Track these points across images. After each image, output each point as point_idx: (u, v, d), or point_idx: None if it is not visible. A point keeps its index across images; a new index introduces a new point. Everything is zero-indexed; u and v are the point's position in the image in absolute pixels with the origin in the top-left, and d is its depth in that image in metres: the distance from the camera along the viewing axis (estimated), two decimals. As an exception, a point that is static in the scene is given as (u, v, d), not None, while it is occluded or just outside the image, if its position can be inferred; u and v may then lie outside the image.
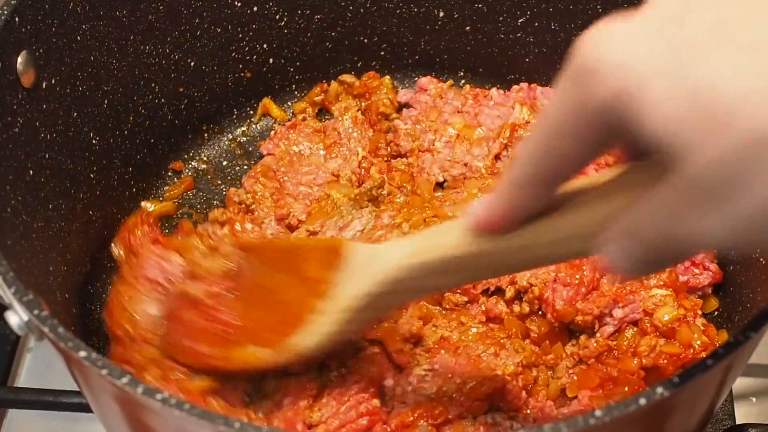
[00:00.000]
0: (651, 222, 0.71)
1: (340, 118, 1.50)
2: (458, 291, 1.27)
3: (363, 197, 1.40)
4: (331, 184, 1.42)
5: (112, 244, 1.35)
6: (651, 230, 0.71)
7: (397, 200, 1.39)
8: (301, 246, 1.19)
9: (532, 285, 1.26)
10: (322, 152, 1.46)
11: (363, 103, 1.54)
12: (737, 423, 1.25)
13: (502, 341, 1.21)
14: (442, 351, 1.20)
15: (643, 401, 0.79)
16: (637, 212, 0.72)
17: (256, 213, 1.38)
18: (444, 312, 1.25)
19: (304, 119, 1.52)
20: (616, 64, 0.67)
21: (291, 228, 1.38)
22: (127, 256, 1.34)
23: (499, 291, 1.29)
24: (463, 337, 1.21)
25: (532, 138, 0.77)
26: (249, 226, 1.37)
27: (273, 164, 1.46)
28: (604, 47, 0.69)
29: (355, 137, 1.48)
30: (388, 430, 1.12)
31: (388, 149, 1.47)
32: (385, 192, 1.39)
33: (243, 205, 1.40)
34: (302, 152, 1.47)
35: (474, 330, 1.22)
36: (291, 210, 1.38)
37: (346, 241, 1.15)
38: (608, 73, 0.67)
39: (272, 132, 1.51)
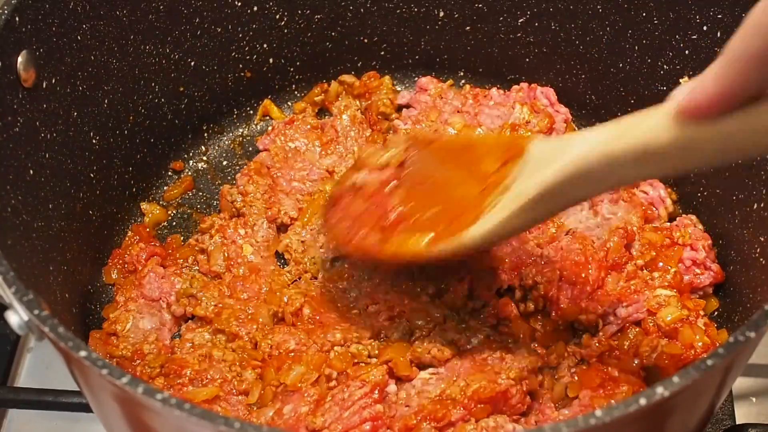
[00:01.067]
0: None
1: (338, 117, 1.50)
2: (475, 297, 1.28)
3: None
4: (325, 180, 1.43)
5: (104, 270, 1.36)
6: None
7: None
8: (479, 142, 1.16)
9: (537, 283, 1.26)
10: (318, 149, 1.46)
11: (363, 103, 1.54)
12: (737, 423, 1.25)
13: (509, 346, 1.20)
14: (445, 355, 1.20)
15: (643, 401, 0.79)
16: None
17: (247, 217, 1.38)
18: (458, 317, 1.25)
19: (303, 117, 1.52)
20: None
21: (282, 227, 1.39)
22: (123, 276, 1.34)
23: (510, 290, 1.29)
24: (472, 339, 1.21)
25: (763, 4, 0.71)
26: (242, 231, 1.37)
27: (268, 160, 1.46)
28: None
29: (353, 136, 1.48)
30: (392, 429, 1.12)
31: (387, 149, 1.47)
32: None
33: (234, 209, 1.40)
34: (298, 148, 1.47)
35: (482, 334, 1.22)
36: (281, 208, 1.38)
37: (528, 136, 1.12)
38: None
39: (269, 128, 1.52)
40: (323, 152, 1.46)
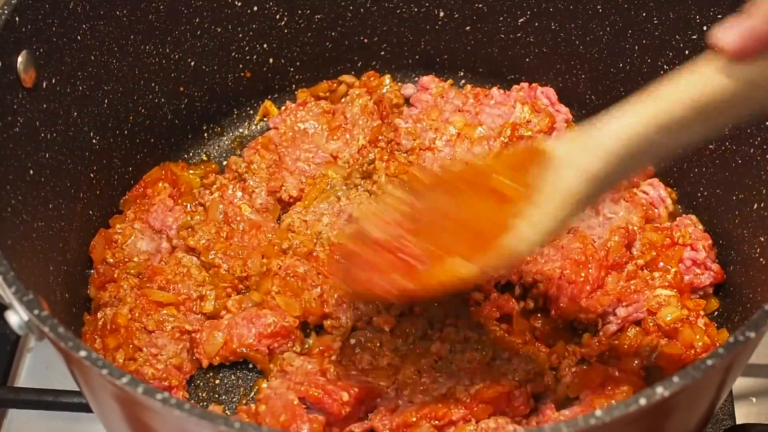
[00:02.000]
0: None
1: (349, 104, 1.51)
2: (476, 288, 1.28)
3: (355, 172, 1.40)
4: (329, 164, 1.44)
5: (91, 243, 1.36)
6: None
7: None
8: (485, 168, 1.08)
9: (537, 281, 1.26)
10: (326, 133, 1.47)
11: (373, 96, 1.54)
12: (737, 423, 1.25)
13: (517, 347, 1.20)
14: (459, 352, 1.20)
15: (643, 401, 0.80)
16: None
17: (248, 182, 1.41)
18: (468, 310, 1.26)
19: (317, 98, 1.54)
20: None
21: (282, 202, 1.40)
22: (138, 198, 1.39)
23: (509, 286, 1.29)
24: (483, 338, 1.21)
25: None
26: (239, 194, 1.40)
27: (276, 138, 1.47)
28: None
29: (360, 125, 1.48)
30: (389, 426, 1.12)
31: (388, 148, 1.47)
32: (382, 180, 1.39)
33: (237, 173, 1.43)
34: (306, 130, 1.48)
35: (492, 334, 1.22)
36: (284, 184, 1.40)
37: (542, 143, 1.04)
38: None
39: (283, 107, 1.53)
40: (330, 137, 1.47)
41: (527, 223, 0.97)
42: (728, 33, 0.80)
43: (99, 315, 1.27)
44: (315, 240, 1.34)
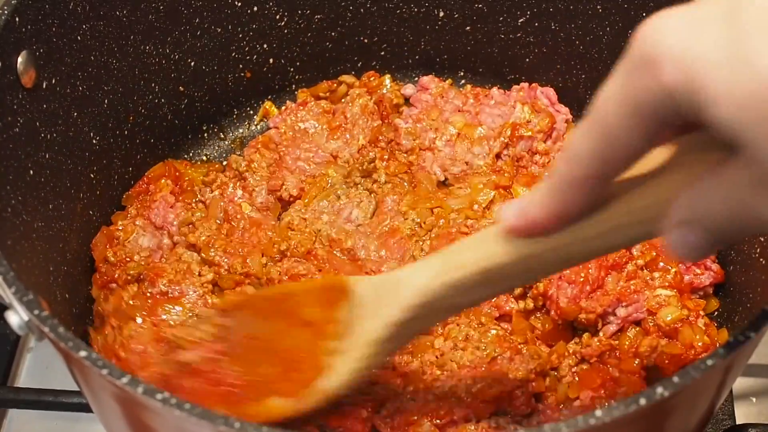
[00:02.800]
0: (716, 207, 0.69)
1: (349, 104, 1.51)
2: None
3: (355, 172, 1.41)
4: (329, 163, 1.44)
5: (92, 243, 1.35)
6: (716, 215, 0.70)
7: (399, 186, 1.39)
8: (293, 291, 1.14)
9: (537, 281, 1.26)
10: (326, 133, 1.48)
11: (373, 96, 1.54)
12: (737, 423, 1.25)
13: (519, 346, 1.20)
14: (461, 350, 1.20)
15: (643, 401, 0.80)
16: (699, 197, 0.71)
17: (249, 181, 1.41)
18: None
19: (317, 98, 1.54)
20: (678, 54, 0.65)
21: (282, 201, 1.40)
22: (141, 193, 1.39)
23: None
24: (483, 339, 1.21)
25: (584, 134, 0.73)
26: (239, 192, 1.39)
27: (276, 137, 1.47)
28: (666, 36, 0.66)
29: (360, 125, 1.48)
30: (390, 425, 1.12)
31: (388, 148, 1.47)
32: (382, 179, 1.39)
33: (237, 172, 1.43)
34: (307, 129, 1.48)
35: (493, 332, 1.22)
36: (285, 183, 1.40)
37: (346, 278, 1.11)
38: (670, 63, 0.65)
39: (283, 107, 1.53)
40: (330, 136, 1.47)
41: (337, 365, 1.02)
42: (505, 210, 0.84)
43: (107, 333, 1.23)
44: (314, 237, 1.34)
